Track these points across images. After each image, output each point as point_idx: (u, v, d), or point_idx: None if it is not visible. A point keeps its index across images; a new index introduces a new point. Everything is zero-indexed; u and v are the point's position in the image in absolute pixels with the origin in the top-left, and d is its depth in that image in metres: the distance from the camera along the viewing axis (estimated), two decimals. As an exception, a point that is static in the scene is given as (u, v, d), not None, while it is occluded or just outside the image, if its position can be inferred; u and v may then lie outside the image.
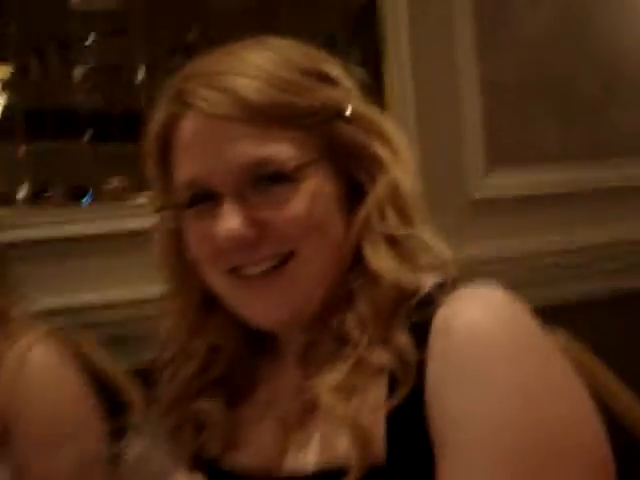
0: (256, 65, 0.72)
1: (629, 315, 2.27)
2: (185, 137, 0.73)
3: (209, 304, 0.78)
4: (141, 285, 1.74)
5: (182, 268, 0.78)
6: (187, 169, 0.73)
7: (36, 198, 2.06)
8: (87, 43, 2.22)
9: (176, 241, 0.77)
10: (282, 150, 0.71)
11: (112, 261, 1.81)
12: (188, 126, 0.72)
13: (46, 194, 2.13)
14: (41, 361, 1.08)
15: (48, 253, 1.77)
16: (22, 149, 2.04)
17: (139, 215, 1.80)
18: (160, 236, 0.79)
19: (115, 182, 2.14)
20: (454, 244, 2.20)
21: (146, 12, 2.23)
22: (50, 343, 1.10)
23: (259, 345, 0.80)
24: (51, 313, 1.53)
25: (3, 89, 2.09)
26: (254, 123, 0.70)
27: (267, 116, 0.70)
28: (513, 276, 2.22)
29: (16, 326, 1.10)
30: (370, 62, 2.25)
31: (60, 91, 2.22)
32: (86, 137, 2.15)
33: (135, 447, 0.64)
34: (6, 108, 2.08)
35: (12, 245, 1.68)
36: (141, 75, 2.18)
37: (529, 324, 0.67)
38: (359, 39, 2.33)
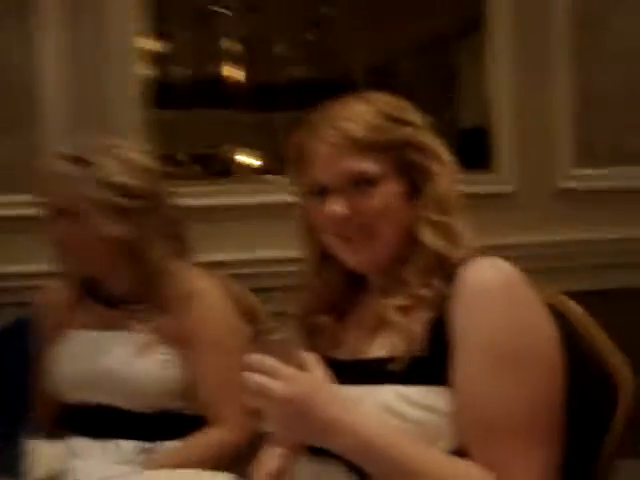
0: (358, 114, 1.14)
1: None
2: (313, 153, 1.17)
3: (327, 257, 1.22)
4: (278, 248, 2.18)
5: (310, 234, 1.23)
6: (313, 173, 1.17)
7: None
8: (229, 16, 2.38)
9: (306, 215, 1.22)
10: (370, 165, 1.14)
11: (257, 227, 2.25)
12: (315, 147, 1.16)
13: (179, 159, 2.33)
14: (213, 291, 1.58)
15: (205, 217, 2.20)
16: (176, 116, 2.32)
17: (277, 191, 2.23)
18: (297, 211, 1.25)
19: (244, 158, 2.42)
20: (540, 229, 2.54)
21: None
22: (220, 280, 1.61)
23: (357, 283, 1.23)
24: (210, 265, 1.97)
25: (151, 61, 2.29)
26: (354, 149, 1.13)
27: (362, 145, 1.13)
28: (592, 263, 2.53)
29: (186, 269, 1.59)
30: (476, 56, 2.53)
31: (205, 62, 2.39)
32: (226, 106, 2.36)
33: (276, 336, 1.10)
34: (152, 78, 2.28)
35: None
36: (278, 48, 2.43)
37: (518, 280, 1.08)
38: (467, 40, 2.60)
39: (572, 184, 2.60)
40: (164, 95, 2.32)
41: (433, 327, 1.09)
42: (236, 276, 1.83)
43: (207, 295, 1.57)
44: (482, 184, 2.46)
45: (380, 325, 1.15)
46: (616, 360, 1.21)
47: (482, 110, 2.57)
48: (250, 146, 2.43)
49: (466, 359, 1.05)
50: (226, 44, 2.39)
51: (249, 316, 1.70)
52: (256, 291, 1.81)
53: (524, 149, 2.57)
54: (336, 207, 1.14)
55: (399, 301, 1.12)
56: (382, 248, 1.16)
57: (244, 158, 2.44)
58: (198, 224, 2.07)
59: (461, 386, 1.05)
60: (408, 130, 1.16)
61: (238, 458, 1.47)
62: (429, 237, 1.14)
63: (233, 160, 2.45)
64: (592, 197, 2.57)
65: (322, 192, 1.17)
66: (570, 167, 2.58)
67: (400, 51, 2.57)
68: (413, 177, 1.16)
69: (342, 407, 1.03)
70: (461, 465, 1.03)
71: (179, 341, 1.54)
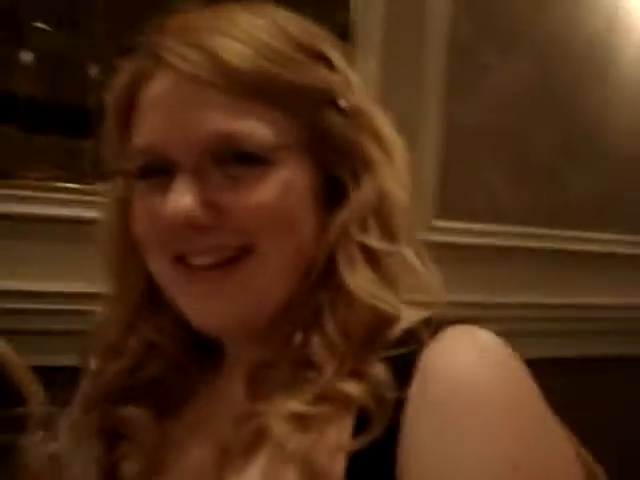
0: (245, 29, 0.62)
1: (558, 380, 2.31)
2: (151, 96, 0.63)
3: (152, 295, 0.67)
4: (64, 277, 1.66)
5: (127, 249, 0.67)
6: (146, 132, 0.63)
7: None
8: (40, 29, 2.08)
9: (124, 216, 0.66)
10: (257, 127, 0.61)
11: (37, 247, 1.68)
12: (156, 84, 0.63)
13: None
14: None
15: None
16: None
17: (69, 203, 1.73)
18: (108, 208, 0.68)
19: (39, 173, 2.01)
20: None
21: (105, 5, 2.11)
22: None
23: (203, 353, 0.69)
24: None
25: None
26: (231, 91, 0.61)
27: (247, 86, 0.61)
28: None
29: None
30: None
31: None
32: (21, 125, 2.01)
33: (47, 446, 0.52)
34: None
35: None
36: (93, 71, 2.07)
37: (525, 378, 0.59)
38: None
39: (433, 237, 2.27)
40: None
41: (364, 458, 0.56)
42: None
43: None
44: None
45: (254, 442, 0.60)
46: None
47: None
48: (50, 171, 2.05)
49: None
50: (28, 59, 2.06)
51: None
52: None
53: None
54: (181, 198, 0.60)
55: (296, 405, 0.58)
56: (265, 291, 0.63)
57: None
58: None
59: None
60: (331, 74, 0.65)
61: None
62: (362, 277, 0.62)
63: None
64: (454, 253, 2.24)
65: (160, 172, 0.63)
66: (432, 219, 2.29)
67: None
68: (334, 163, 0.65)
69: None
70: None
71: None
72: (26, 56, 2.08)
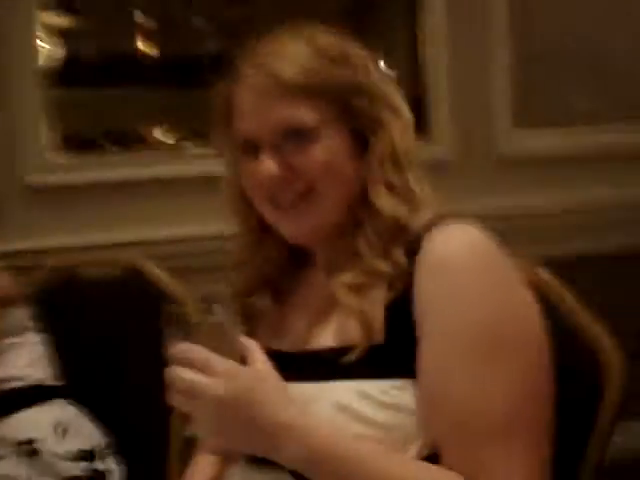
0: (291, 53, 0.97)
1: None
2: (239, 102, 1.00)
3: (264, 229, 1.05)
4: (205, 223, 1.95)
5: (242, 201, 1.05)
6: (241, 126, 1.00)
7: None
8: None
9: (237, 181, 1.05)
10: (306, 114, 0.96)
11: (182, 202, 2.07)
12: (241, 95, 0.99)
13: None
14: None
15: (127, 193, 2.08)
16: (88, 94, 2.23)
17: (198, 163, 2.08)
18: (227, 178, 1.07)
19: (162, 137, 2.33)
20: (481, 197, 2.40)
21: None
22: None
23: (300, 259, 1.07)
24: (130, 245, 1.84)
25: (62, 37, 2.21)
26: (286, 95, 0.96)
27: (298, 89, 0.95)
28: (536, 230, 2.42)
29: None
30: (408, 16, 2.42)
31: (116, 37, 2.33)
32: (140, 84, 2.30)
33: (210, 318, 0.91)
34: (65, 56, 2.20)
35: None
36: (198, 24, 2.34)
37: (491, 248, 0.92)
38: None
39: (513, 149, 2.47)
40: (72, 73, 2.21)
41: (394, 308, 0.92)
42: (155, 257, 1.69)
43: None
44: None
45: (329, 308, 0.98)
46: (604, 342, 1.05)
47: (415, 73, 2.46)
48: (167, 124, 2.34)
49: (433, 347, 0.88)
50: (138, 18, 2.31)
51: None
52: (178, 272, 1.66)
53: (461, 113, 2.42)
54: (268, 166, 0.97)
55: (351, 278, 0.95)
56: (326, 214, 0.99)
57: (161, 137, 2.36)
58: (109, 199, 2.05)
59: (428, 380, 0.88)
60: (352, 72, 0.99)
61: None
62: (385, 199, 0.97)
63: (150, 138, 2.35)
64: (534, 162, 2.45)
65: (253, 149, 1.00)
66: (510, 131, 2.47)
67: (325, 19, 2.45)
68: (359, 128, 1.00)
69: (294, 410, 0.88)
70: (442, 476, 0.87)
71: None
72: (140, 17, 2.28)
